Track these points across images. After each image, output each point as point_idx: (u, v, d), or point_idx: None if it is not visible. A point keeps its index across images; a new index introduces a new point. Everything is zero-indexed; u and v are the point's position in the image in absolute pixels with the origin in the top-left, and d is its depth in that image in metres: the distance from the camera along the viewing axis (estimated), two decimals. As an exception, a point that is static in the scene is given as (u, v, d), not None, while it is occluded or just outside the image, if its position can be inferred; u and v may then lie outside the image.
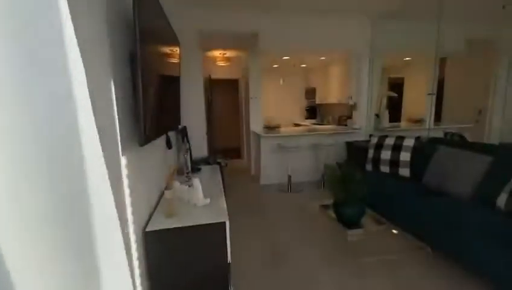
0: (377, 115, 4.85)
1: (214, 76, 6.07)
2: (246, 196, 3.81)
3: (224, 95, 7.98)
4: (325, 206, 2.32)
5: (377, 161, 3.23)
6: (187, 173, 1.79)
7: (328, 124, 6.02)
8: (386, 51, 4.45)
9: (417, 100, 5.54)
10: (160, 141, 1.85)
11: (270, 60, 5.16)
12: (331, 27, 4.13)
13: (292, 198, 3.68)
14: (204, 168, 2.43)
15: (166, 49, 1.72)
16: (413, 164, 2.98)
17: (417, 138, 3.09)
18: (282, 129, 4.83)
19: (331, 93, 5.54)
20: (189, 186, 1.51)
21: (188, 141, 2.71)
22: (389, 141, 3.22)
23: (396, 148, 3.12)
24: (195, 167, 2.35)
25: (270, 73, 6.67)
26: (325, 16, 4.08)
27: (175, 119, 2.14)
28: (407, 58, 5.32)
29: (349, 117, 4.67)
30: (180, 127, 2.59)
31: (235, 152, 7.21)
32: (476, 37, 4.60)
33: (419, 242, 1.77)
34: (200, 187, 1.43)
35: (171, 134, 2.24)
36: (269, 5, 3.65)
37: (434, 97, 5.54)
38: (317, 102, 6.27)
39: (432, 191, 2.53)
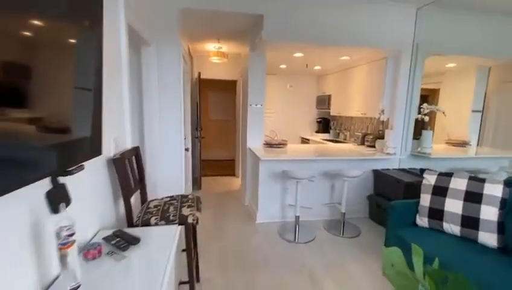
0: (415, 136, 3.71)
1: (206, 75, 4.96)
2: (233, 245, 2.65)
3: (220, 98, 6.90)
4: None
5: (438, 213, 2.07)
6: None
7: (345, 141, 4.88)
8: (437, 51, 3.33)
9: (457, 118, 4.42)
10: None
11: (278, 56, 4.04)
12: (363, 16, 3.01)
13: (301, 257, 2.49)
14: (153, 236, 1.28)
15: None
16: (503, 227, 1.83)
17: (507, 183, 1.94)
18: (289, 147, 3.69)
19: (352, 104, 4.40)
20: None
21: (140, 179, 1.55)
22: (458, 184, 2.07)
23: (473, 197, 1.97)
24: (126, 241, 1.20)
25: (275, 75, 5.56)
26: (355, 1, 2.96)
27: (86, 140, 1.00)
28: (450, 65, 4.19)
29: (379, 137, 3.53)
30: (117, 153, 1.45)
31: (228, 167, 6.06)
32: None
33: None
34: None
35: (70, 179, 1.08)
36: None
37: (480, 115, 4.49)
38: (331, 113, 5.13)
39: None
